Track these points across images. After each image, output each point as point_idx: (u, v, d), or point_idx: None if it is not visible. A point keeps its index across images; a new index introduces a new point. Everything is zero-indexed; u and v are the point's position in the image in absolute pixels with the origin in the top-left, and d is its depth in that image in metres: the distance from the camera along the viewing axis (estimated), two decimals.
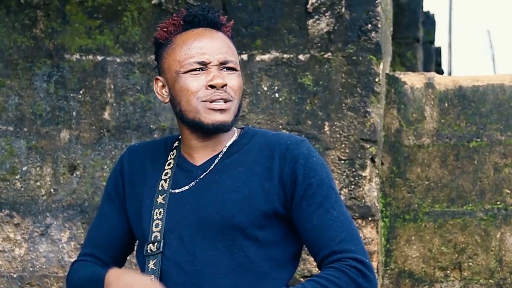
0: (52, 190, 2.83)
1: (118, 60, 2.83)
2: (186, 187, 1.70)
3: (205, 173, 1.70)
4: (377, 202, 2.79)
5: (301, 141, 1.73)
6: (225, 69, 1.71)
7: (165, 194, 1.71)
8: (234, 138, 1.75)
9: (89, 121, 2.83)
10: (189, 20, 1.72)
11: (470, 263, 2.88)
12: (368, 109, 2.75)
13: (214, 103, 1.68)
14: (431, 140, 2.91)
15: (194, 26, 1.72)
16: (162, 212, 1.70)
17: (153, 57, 2.82)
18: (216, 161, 1.71)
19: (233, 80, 1.71)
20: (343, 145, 2.75)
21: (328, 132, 2.76)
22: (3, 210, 2.84)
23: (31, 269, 2.82)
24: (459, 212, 2.89)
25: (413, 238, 2.90)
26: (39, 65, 2.84)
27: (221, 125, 1.69)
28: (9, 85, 2.84)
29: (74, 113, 2.83)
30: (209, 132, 1.70)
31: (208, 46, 1.70)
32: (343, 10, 2.76)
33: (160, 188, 1.72)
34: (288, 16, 2.77)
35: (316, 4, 2.77)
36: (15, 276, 2.83)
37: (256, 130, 1.80)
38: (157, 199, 1.71)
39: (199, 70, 1.69)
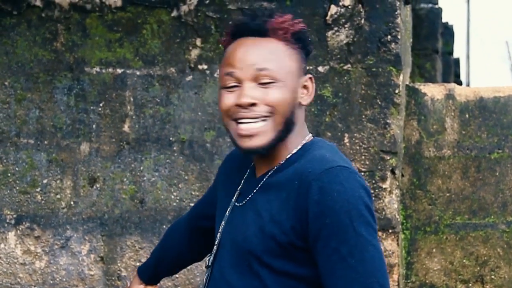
0: (72, 203, 2.84)
1: (137, 72, 2.84)
2: (241, 203, 1.62)
3: (254, 191, 1.59)
4: (398, 214, 2.77)
5: (326, 169, 1.49)
6: (262, 82, 1.55)
7: (231, 207, 1.64)
8: (294, 151, 1.58)
9: (109, 134, 2.83)
10: (233, 31, 1.60)
11: (493, 276, 2.84)
12: (388, 121, 2.74)
13: (242, 125, 1.54)
14: (452, 152, 2.89)
15: (238, 35, 1.59)
16: (223, 225, 1.65)
17: (172, 69, 2.83)
18: (266, 177, 1.59)
19: (270, 94, 1.54)
20: (363, 157, 2.74)
21: (348, 144, 2.74)
22: (24, 223, 2.85)
23: (51, 281, 2.83)
24: (480, 224, 2.87)
25: (434, 250, 2.87)
26: (60, 78, 2.85)
27: (253, 150, 1.55)
28: (30, 98, 2.85)
29: (94, 125, 2.84)
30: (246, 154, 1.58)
31: (242, 58, 1.55)
32: (362, 21, 2.76)
33: (233, 199, 1.65)
34: (307, 28, 2.77)
35: (336, 15, 2.77)
36: None
37: (314, 145, 1.60)
38: (227, 212, 1.65)
39: (234, 87, 1.56)
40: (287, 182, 1.54)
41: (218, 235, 1.66)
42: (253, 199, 1.59)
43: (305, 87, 1.62)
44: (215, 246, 1.66)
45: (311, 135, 1.64)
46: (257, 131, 1.53)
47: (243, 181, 1.66)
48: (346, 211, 1.46)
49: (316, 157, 1.54)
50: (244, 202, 1.61)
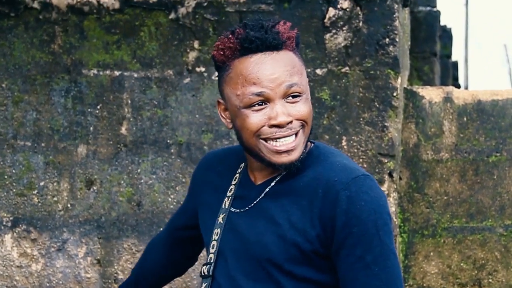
0: (69, 205, 2.83)
1: (135, 75, 2.83)
2: (242, 209, 1.60)
3: (260, 197, 1.57)
4: (395, 217, 2.77)
5: (353, 179, 1.51)
6: (290, 97, 1.53)
7: (224, 214, 1.62)
8: (300, 157, 1.56)
9: (106, 136, 2.83)
10: (247, 46, 1.53)
11: (490, 280, 2.84)
12: (386, 124, 2.74)
13: (279, 142, 1.52)
14: (450, 155, 2.89)
15: (252, 51, 1.53)
16: (218, 232, 1.62)
17: (170, 71, 2.82)
18: (273, 183, 1.58)
19: (300, 109, 1.54)
20: (361, 160, 2.74)
21: (345, 147, 2.74)
22: (20, 225, 2.84)
23: (47, 284, 2.82)
24: (478, 227, 2.86)
25: (431, 254, 2.87)
26: (57, 80, 2.85)
27: (290, 165, 1.53)
28: (27, 100, 2.85)
29: (91, 128, 2.83)
30: (278, 169, 1.56)
31: (269, 76, 1.52)
32: (360, 24, 2.75)
33: (223, 205, 1.63)
34: (305, 31, 2.77)
35: (334, 18, 2.77)
36: None
37: (322, 151, 1.60)
38: (218, 218, 1.63)
39: (261, 104, 1.53)
40: (307, 189, 1.53)
41: (214, 243, 1.63)
42: (261, 206, 1.57)
43: None
44: (211, 255, 1.63)
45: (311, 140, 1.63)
46: (294, 146, 1.53)
47: (235, 186, 1.64)
48: (372, 220, 1.48)
49: (338, 165, 1.54)
50: (246, 208, 1.59)
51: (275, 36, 1.54)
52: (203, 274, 1.65)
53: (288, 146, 1.53)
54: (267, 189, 1.57)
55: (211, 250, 1.63)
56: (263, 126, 1.52)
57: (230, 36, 1.56)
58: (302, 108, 1.54)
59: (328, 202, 1.50)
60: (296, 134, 1.54)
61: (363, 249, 1.48)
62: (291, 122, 1.53)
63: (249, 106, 1.53)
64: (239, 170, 1.66)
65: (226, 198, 1.64)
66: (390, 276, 1.48)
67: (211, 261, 1.62)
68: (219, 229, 1.62)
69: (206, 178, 1.73)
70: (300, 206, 1.53)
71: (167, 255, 1.89)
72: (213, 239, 1.63)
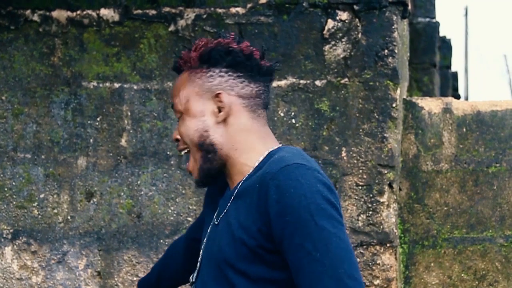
0: (69, 217, 2.83)
1: (135, 87, 2.84)
2: (220, 218, 1.62)
3: (228, 204, 1.60)
4: (395, 228, 2.76)
5: (281, 168, 1.48)
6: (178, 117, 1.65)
7: (211, 224, 1.65)
8: (260, 159, 1.58)
9: (106, 148, 2.83)
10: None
11: None
12: (385, 135, 2.74)
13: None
14: (450, 166, 2.89)
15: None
16: (204, 242, 1.67)
17: (170, 83, 2.83)
18: (236, 190, 1.60)
19: (180, 127, 1.64)
20: (361, 171, 2.74)
21: (345, 158, 2.74)
22: (20, 238, 2.84)
23: None
24: (478, 238, 2.86)
25: (432, 264, 2.86)
26: (57, 92, 2.86)
27: (197, 183, 1.64)
28: (27, 112, 2.85)
29: (91, 140, 2.84)
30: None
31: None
32: (359, 35, 2.76)
33: (214, 217, 1.66)
34: (305, 42, 2.78)
35: (333, 30, 2.78)
36: None
37: (278, 152, 1.59)
38: (208, 230, 1.67)
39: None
40: (250, 187, 1.53)
41: (201, 252, 1.68)
42: (227, 212, 1.60)
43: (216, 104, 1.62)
44: (198, 263, 1.67)
45: (280, 145, 1.64)
46: (192, 167, 1.64)
47: (221, 199, 1.67)
48: (304, 206, 1.44)
49: (276, 159, 1.53)
50: (220, 217, 1.62)
51: (176, 60, 1.67)
52: (191, 280, 1.70)
53: (188, 167, 1.64)
54: (233, 195, 1.59)
55: (199, 259, 1.67)
56: None
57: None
58: (181, 126, 1.62)
59: (262, 195, 1.48)
60: (190, 153, 1.62)
61: (301, 237, 1.44)
62: (178, 139, 1.62)
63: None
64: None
65: (216, 211, 1.68)
66: (334, 259, 1.43)
67: (197, 269, 1.67)
68: (205, 239, 1.67)
69: (211, 194, 1.78)
70: (246, 205, 1.53)
71: (184, 259, 1.96)
72: (201, 248, 1.68)
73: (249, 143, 1.60)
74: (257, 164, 1.59)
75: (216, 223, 1.63)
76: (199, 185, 1.63)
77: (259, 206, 1.49)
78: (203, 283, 1.62)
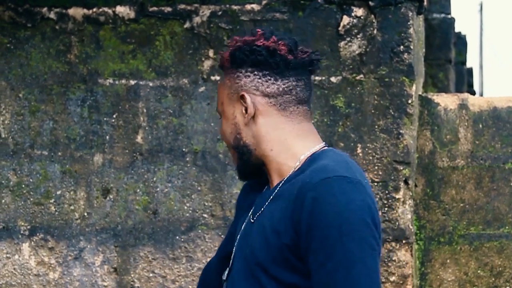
0: (85, 214, 2.84)
1: (150, 84, 2.85)
2: (256, 216, 1.60)
3: (266, 204, 1.57)
4: (411, 224, 2.76)
5: (322, 180, 1.44)
6: None
7: (246, 222, 1.63)
8: (302, 159, 1.54)
9: (122, 145, 2.84)
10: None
11: (508, 287, 2.82)
12: (401, 131, 2.74)
13: None
14: (466, 162, 2.88)
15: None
16: (237, 239, 1.64)
17: (185, 80, 2.84)
18: (276, 189, 1.57)
19: (220, 129, 1.65)
20: (376, 167, 2.73)
21: (361, 154, 2.74)
22: (37, 234, 2.86)
23: None
24: (495, 234, 2.85)
25: (448, 261, 2.86)
26: (73, 90, 2.87)
27: (240, 179, 1.67)
28: (44, 110, 2.87)
29: (107, 137, 2.85)
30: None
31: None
32: (375, 32, 2.76)
33: (250, 214, 1.64)
34: (320, 39, 2.78)
35: (348, 26, 2.77)
36: None
37: (321, 155, 1.54)
38: (242, 226, 1.65)
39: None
40: (288, 192, 1.51)
41: (234, 249, 1.65)
42: (263, 212, 1.58)
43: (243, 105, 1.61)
44: (231, 261, 1.65)
45: (323, 144, 1.61)
46: (235, 162, 1.66)
47: (258, 197, 1.64)
48: (336, 225, 1.40)
49: (318, 167, 1.48)
50: (256, 215, 1.60)
51: (220, 60, 1.67)
52: (223, 278, 1.67)
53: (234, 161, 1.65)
54: (272, 195, 1.57)
55: (231, 256, 1.65)
56: None
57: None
58: (221, 128, 1.64)
59: (298, 204, 1.45)
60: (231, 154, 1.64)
61: (324, 256, 1.40)
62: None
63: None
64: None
65: (252, 208, 1.64)
66: (352, 285, 1.37)
67: (229, 266, 1.65)
68: (238, 237, 1.64)
69: (245, 196, 1.75)
70: (281, 209, 1.50)
71: (220, 283, 1.83)
72: (234, 245, 1.65)
73: (284, 142, 1.57)
74: (298, 164, 1.55)
75: (252, 221, 1.60)
76: (242, 180, 1.68)
77: (293, 215, 1.46)
78: (233, 282, 1.60)
